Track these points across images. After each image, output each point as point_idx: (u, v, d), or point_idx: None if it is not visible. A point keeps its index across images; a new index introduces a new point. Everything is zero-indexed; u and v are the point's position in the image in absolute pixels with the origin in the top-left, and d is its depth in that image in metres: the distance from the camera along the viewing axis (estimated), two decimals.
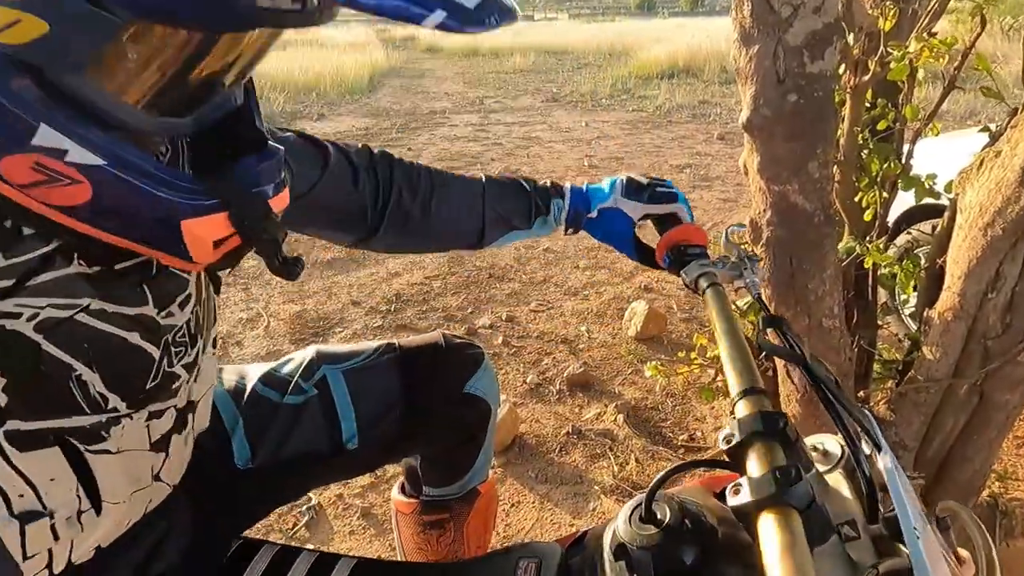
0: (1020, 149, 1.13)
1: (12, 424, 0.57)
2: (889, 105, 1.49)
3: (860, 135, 1.50)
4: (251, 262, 4.34)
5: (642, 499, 0.67)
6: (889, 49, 1.31)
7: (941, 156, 1.57)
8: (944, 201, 1.44)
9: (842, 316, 1.35)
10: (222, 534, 0.88)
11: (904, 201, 1.88)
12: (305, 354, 1.06)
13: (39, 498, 0.61)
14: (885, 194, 1.56)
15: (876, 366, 1.69)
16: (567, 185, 1.07)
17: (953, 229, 1.31)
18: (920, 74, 1.44)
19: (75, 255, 0.58)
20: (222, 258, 0.62)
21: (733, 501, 0.57)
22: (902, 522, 0.60)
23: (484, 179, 1.07)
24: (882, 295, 1.81)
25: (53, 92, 0.48)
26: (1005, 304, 1.25)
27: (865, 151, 1.51)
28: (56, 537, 0.64)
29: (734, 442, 0.61)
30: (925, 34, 1.32)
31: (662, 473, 0.66)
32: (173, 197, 0.55)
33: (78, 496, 0.65)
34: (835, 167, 1.58)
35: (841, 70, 1.46)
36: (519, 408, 2.64)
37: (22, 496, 0.60)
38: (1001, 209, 1.18)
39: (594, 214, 1.05)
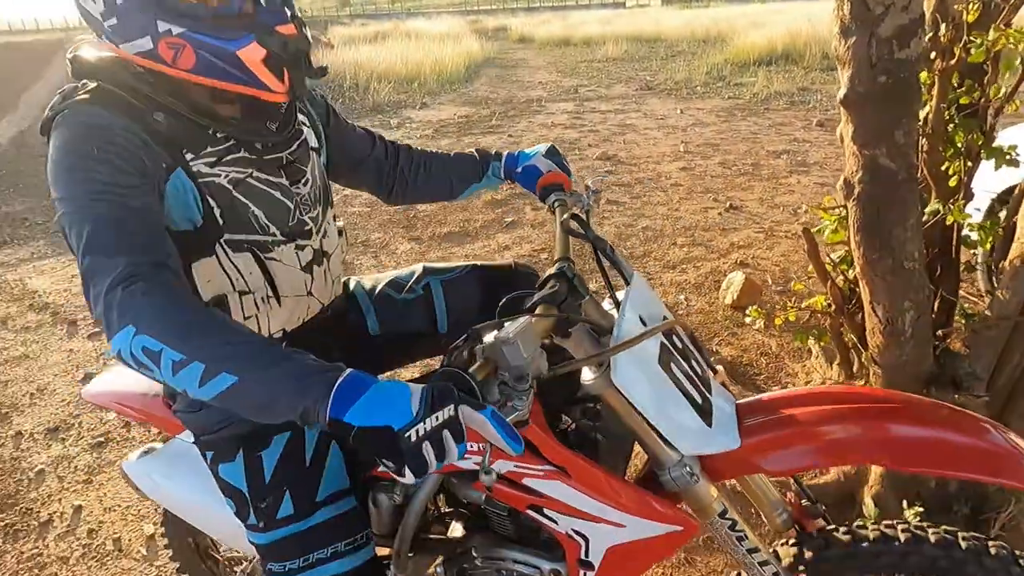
0: None
1: (226, 236, 1.05)
2: (975, 85, 1.73)
3: (947, 112, 1.75)
4: (376, 235, 4.89)
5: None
6: (971, 37, 1.56)
7: None
8: None
9: (922, 261, 1.62)
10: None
11: (1004, 179, 2.04)
12: (416, 268, 1.49)
13: (245, 282, 1.09)
14: (969, 163, 1.80)
15: (957, 317, 1.93)
16: (504, 152, 1.54)
17: None
18: (1016, 61, 1.67)
19: (243, 148, 1.06)
20: (289, 87, 1.03)
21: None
22: (620, 317, 0.98)
23: (452, 155, 1.57)
24: (971, 257, 2.02)
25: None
26: None
27: (951, 125, 1.76)
28: (257, 309, 1.12)
29: (544, 277, 1.04)
30: (1003, 24, 1.57)
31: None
32: (223, 41, 0.95)
33: (264, 286, 1.12)
34: (923, 139, 1.83)
35: (932, 55, 1.71)
36: None
37: (237, 280, 1.08)
38: None
39: (519, 169, 1.49)
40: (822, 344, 2.34)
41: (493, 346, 0.82)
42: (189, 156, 1.01)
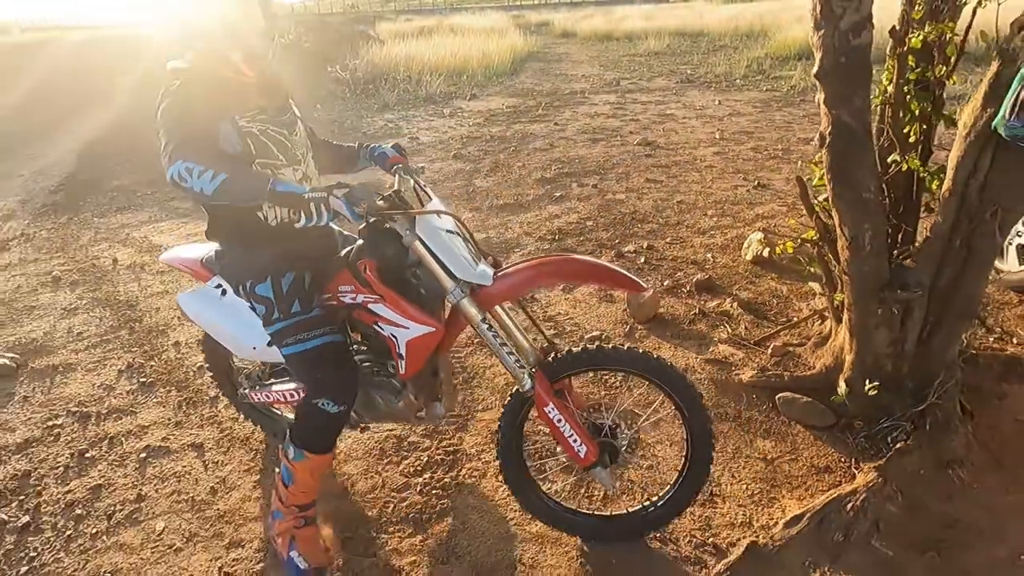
0: (983, 85, 1.96)
1: (257, 160, 1.80)
2: (926, 66, 2.29)
3: (905, 86, 2.32)
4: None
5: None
6: (914, 28, 2.14)
7: None
8: None
9: (878, 194, 2.19)
10: None
11: None
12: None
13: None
14: (924, 125, 2.37)
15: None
16: (368, 145, 2.20)
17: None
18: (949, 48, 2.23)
19: (263, 113, 1.82)
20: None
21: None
22: (428, 203, 1.86)
23: (346, 146, 2.22)
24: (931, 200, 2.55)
25: None
26: (980, 184, 2.07)
27: (908, 96, 2.33)
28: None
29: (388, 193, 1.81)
30: (947, 20, 2.15)
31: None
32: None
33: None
34: (888, 107, 2.42)
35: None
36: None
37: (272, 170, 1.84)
38: (974, 125, 2.01)
39: (376, 155, 2.16)
40: (812, 270, 2.92)
41: (357, 187, 1.64)
42: (236, 116, 1.76)
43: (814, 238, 2.62)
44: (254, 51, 1.82)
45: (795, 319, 3.23)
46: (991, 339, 3.00)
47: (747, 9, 27.67)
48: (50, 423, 2.88)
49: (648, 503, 2.03)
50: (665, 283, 3.82)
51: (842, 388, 2.48)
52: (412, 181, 1.99)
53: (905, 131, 2.39)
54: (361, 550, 2.12)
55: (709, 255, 4.22)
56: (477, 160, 7.13)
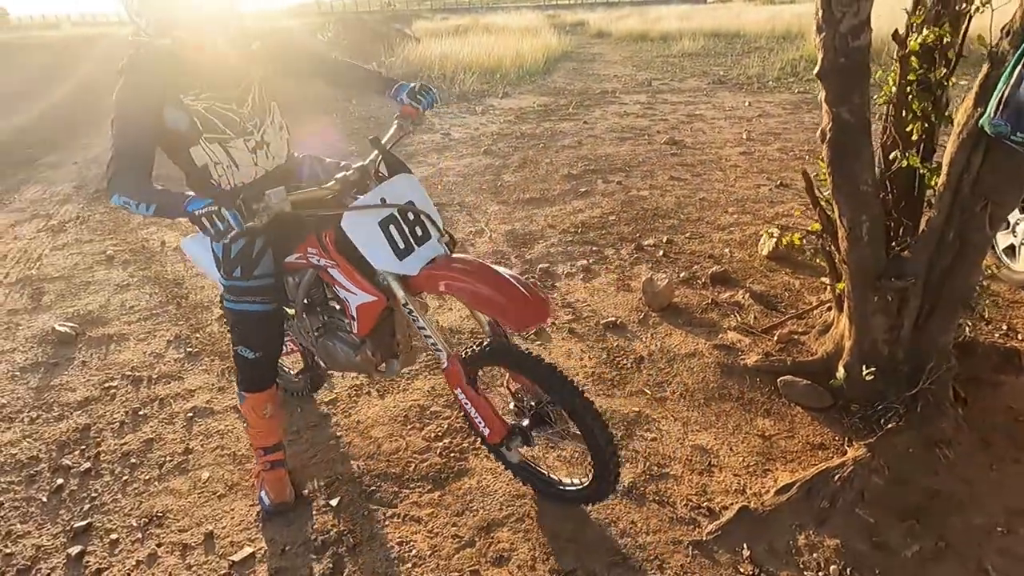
0: (975, 85, 2.09)
1: (204, 138, 1.94)
2: (929, 68, 2.42)
3: (907, 87, 2.45)
4: (469, 198, 5.79)
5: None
6: (913, 32, 2.27)
7: None
8: None
9: (875, 187, 2.32)
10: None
11: None
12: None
13: (218, 158, 1.98)
14: (926, 124, 2.49)
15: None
16: (398, 84, 2.23)
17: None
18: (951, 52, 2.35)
19: (208, 89, 1.91)
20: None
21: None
22: (367, 195, 1.94)
23: (380, 75, 2.30)
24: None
25: None
26: (972, 180, 2.19)
27: (910, 96, 2.45)
28: (226, 171, 2.01)
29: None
30: (936, 25, 2.27)
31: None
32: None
33: (229, 160, 1.99)
34: (890, 106, 2.55)
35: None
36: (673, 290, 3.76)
37: (213, 157, 1.97)
38: (966, 123, 2.14)
39: (395, 96, 2.22)
40: (817, 261, 3.05)
41: (272, 193, 1.72)
42: (181, 96, 1.88)
43: (818, 230, 2.75)
44: (215, 36, 1.89)
45: (803, 310, 3.36)
46: (996, 335, 3.10)
47: (786, 10, 27.38)
48: (106, 385, 3.16)
49: (575, 483, 2.17)
50: (681, 275, 3.97)
51: (841, 373, 2.61)
52: (380, 157, 2.07)
53: (908, 130, 2.51)
54: (386, 502, 2.33)
55: (727, 250, 4.35)
56: (506, 156, 7.32)
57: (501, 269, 1.90)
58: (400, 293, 1.97)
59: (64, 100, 12.02)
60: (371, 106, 10.68)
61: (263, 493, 2.32)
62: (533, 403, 2.11)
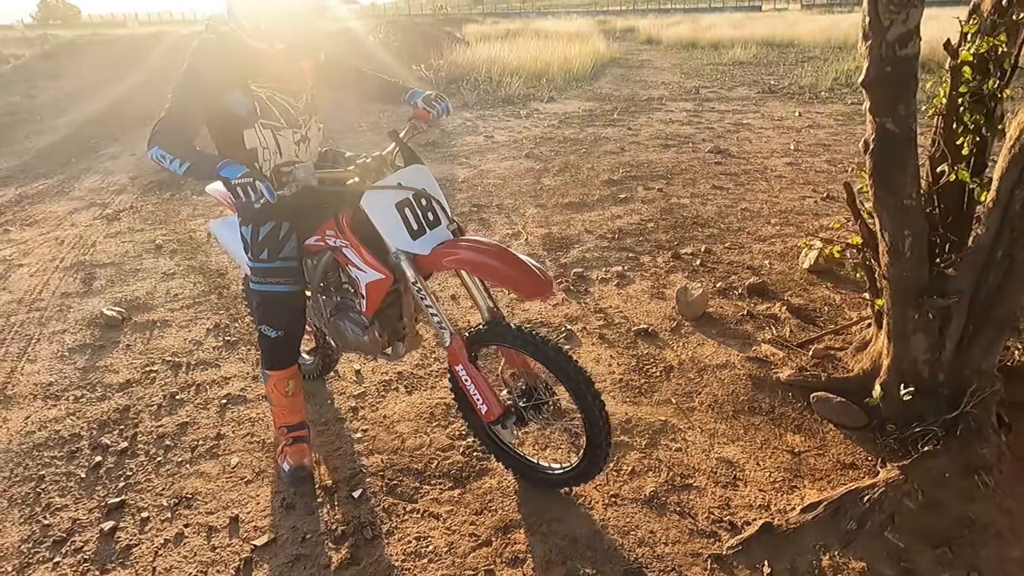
0: None
1: (261, 123, 2.12)
2: (982, 79, 2.32)
3: (959, 99, 2.36)
4: (508, 201, 5.80)
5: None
6: (967, 42, 2.18)
7: None
8: None
9: (919, 200, 2.24)
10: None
11: None
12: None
13: (266, 143, 2.16)
14: (978, 138, 2.39)
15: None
16: (412, 90, 2.42)
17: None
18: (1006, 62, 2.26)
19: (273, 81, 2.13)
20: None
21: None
22: (385, 178, 2.13)
23: (396, 84, 2.50)
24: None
25: None
26: None
27: (962, 108, 2.36)
28: (271, 156, 2.18)
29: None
30: (991, 35, 2.19)
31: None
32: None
33: (275, 145, 2.18)
34: (939, 118, 2.46)
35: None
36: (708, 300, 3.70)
37: (262, 141, 2.15)
38: (1019, 137, 2.05)
39: (410, 100, 2.41)
40: (858, 275, 2.96)
41: (300, 167, 1.91)
42: (249, 82, 2.06)
43: (860, 243, 2.67)
44: (297, 42, 2.11)
45: (841, 325, 3.26)
46: None
47: (844, 19, 26.70)
48: (147, 368, 3.27)
49: (567, 466, 2.25)
50: (718, 285, 3.90)
51: (877, 391, 2.53)
52: (396, 148, 2.24)
53: (958, 143, 2.42)
54: (406, 496, 2.35)
55: (766, 261, 4.26)
56: (548, 160, 7.32)
57: (507, 247, 2.03)
58: (411, 272, 2.10)
59: (126, 95, 12.51)
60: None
61: (284, 462, 2.45)
62: (528, 386, 2.21)
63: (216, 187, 2.82)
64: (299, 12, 2.06)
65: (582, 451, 2.15)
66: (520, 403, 2.20)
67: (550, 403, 2.20)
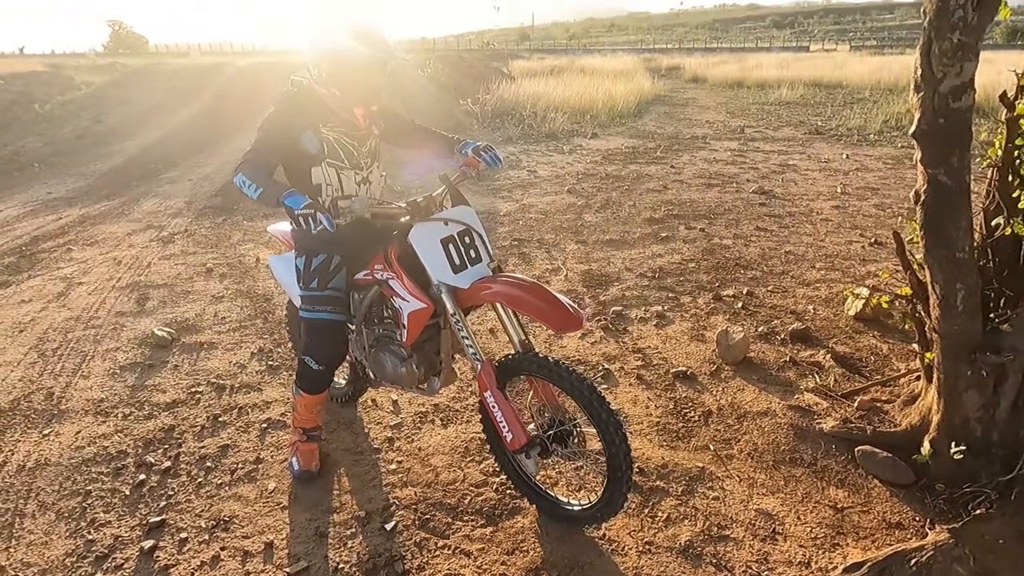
0: None
1: (327, 162, 2.34)
2: None
3: (1015, 151, 2.31)
4: (549, 236, 5.84)
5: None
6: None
7: None
8: None
9: (971, 254, 2.18)
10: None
11: None
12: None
13: (330, 180, 2.37)
14: None
15: None
16: (462, 142, 2.58)
17: None
18: None
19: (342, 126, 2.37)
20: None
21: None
22: (433, 215, 2.28)
23: (448, 136, 2.66)
24: None
25: None
26: None
27: (1018, 161, 2.31)
28: (333, 192, 2.38)
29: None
30: None
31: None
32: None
33: (338, 183, 2.38)
34: (994, 169, 2.41)
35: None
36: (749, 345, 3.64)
37: (326, 178, 2.36)
38: None
39: (461, 150, 2.56)
40: (906, 326, 2.88)
41: (356, 200, 2.08)
42: (320, 125, 2.28)
43: (909, 294, 2.61)
44: (364, 100, 2.34)
45: (889, 376, 3.17)
46: None
47: (894, 61, 26.39)
48: (193, 389, 3.36)
49: (585, 503, 2.27)
50: (759, 329, 3.84)
51: (926, 448, 2.44)
52: (446, 190, 2.38)
53: (1014, 195, 2.36)
54: (439, 532, 2.35)
55: (810, 307, 4.18)
56: (590, 196, 7.37)
57: (542, 284, 2.11)
58: (450, 304, 2.21)
59: (185, 122, 13.08)
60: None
61: (294, 459, 2.67)
62: (554, 419, 2.24)
63: (277, 227, 3.01)
64: (364, 68, 2.24)
65: (602, 488, 2.15)
66: (545, 435, 2.23)
67: (574, 435, 2.23)
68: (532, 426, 2.28)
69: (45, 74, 18.24)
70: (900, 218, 6.20)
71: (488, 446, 2.52)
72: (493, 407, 2.20)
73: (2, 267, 5.37)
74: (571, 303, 2.06)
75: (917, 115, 2.14)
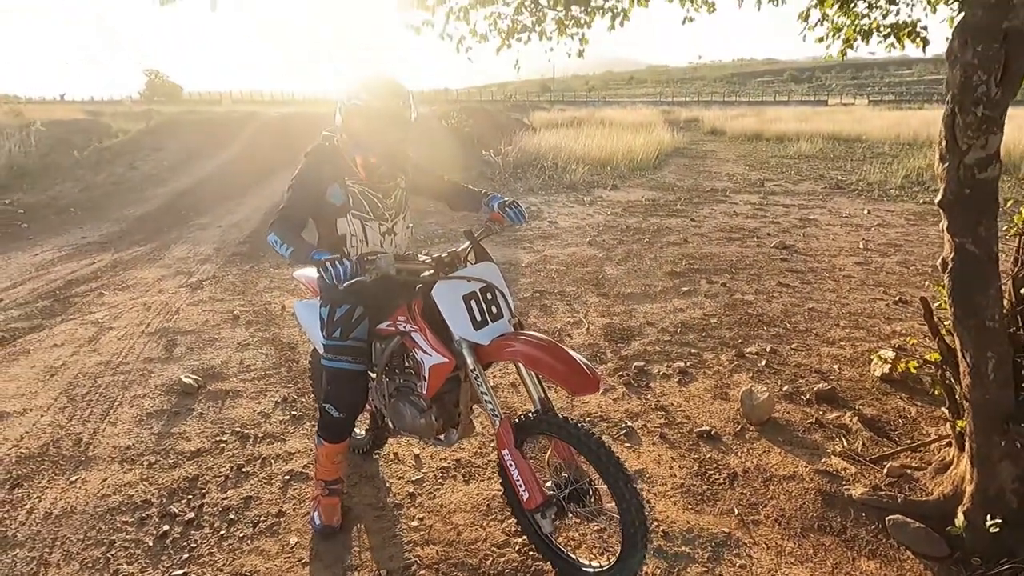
0: None
1: (352, 211, 2.44)
2: None
3: None
4: (569, 288, 5.87)
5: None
6: None
7: None
8: None
9: (1002, 322, 2.18)
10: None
11: None
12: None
13: (355, 231, 2.46)
14: None
15: None
16: (490, 196, 2.61)
17: None
18: None
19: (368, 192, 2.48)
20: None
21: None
22: (456, 272, 2.33)
23: (477, 191, 2.69)
24: None
25: None
26: None
27: None
28: (357, 245, 2.47)
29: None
30: None
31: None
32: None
33: (363, 234, 2.47)
34: (1021, 237, 2.42)
35: None
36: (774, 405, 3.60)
37: (351, 229, 2.45)
38: None
39: (488, 205, 2.59)
40: (936, 392, 2.84)
41: (381, 257, 2.12)
42: (346, 178, 2.39)
43: (938, 360, 2.59)
44: (388, 156, 2.44)
45: (919, 442, 3.11)
46: None
47: (913, 116, 26.57)
48: (217, 438, 3.39)
49: (604, 565, 2.24)
50: (784, 388, 3.81)
51: (960, 520, 2.38)
52: (470, 246, 2.45)
53: None
54: None
55: (835, 366, 4.14)
56: (610, 248, 7.43)
57: (561, 345, 2.13)
58: (470, 360, 2.25)
59: (216, 170, 13.48)
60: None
61: (316, 514, 2.68)
62: (572, 479, 2.25)
63: (302, 273, 3.08)
64: (389, 131, 2.35)
65: (618, 551, 2.13)
66: (562, 495, 2.24)
67: (590, 495, 2.23)
68: (550, 483, 2.29)
69: (83, 121, 18.96)
70: (924, 277, 6.16)
71: (505, 499, 2.52)
72: (510, 465, 2.23)
73: (37, 310, 5.51)
74: (588, 363, 2.08)
75: (943, 185, 2.17)
